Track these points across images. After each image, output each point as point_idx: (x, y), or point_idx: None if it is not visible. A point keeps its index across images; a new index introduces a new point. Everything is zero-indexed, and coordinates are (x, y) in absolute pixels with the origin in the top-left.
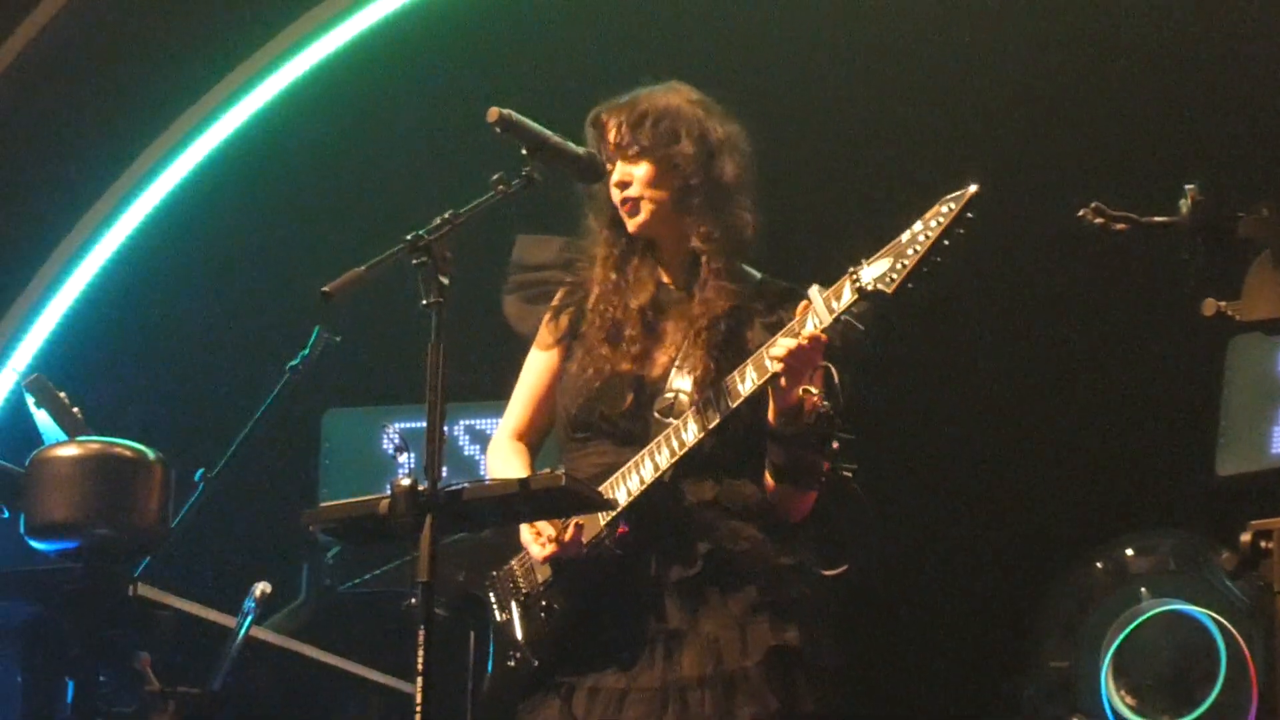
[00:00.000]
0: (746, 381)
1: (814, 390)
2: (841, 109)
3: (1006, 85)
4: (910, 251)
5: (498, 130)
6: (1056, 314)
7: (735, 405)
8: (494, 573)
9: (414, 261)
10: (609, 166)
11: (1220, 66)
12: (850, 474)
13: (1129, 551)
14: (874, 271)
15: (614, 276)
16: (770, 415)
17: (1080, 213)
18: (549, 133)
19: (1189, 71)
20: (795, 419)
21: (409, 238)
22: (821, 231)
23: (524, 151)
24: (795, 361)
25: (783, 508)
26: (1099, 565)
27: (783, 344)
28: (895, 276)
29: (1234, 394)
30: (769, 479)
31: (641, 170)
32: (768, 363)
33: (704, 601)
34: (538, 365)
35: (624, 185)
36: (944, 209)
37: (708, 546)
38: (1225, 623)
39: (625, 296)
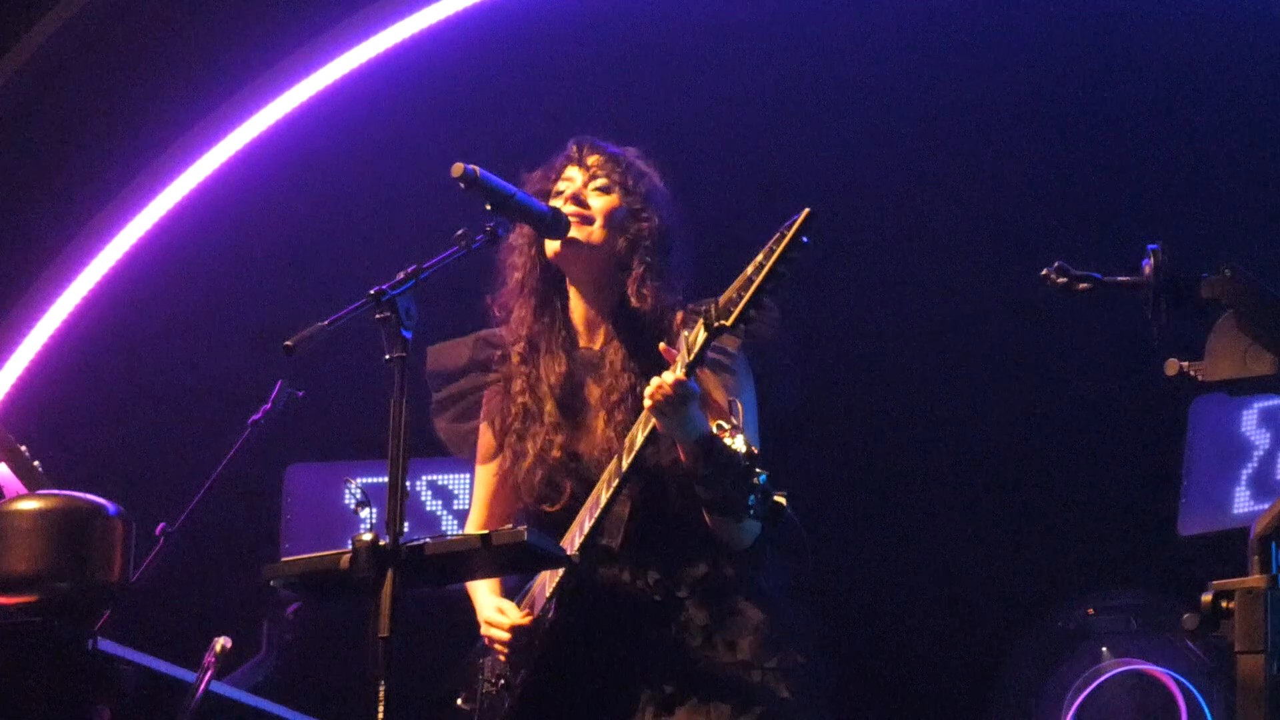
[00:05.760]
0: (640, 434)
1: (726, 426)
2: (804, 168)
3: (968, 146)
4: (750, 281)
5: (462, 186)
6: (1020, 373)
7: (633, 457)
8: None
9: (377, 316)
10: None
11: (1184, 127)
12: (784, 501)
13: (1090, 610)
14: (721, 307)
15: (524, 368)
16: (682, 458)
17: (1043, 272)
18: (513, 189)
19: (1153, 132)
20: (706, 458)
21: (372, 292)
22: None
23: (488, 207)
24: (663, 406)
25: (723, 537)
26: (1060, 624)
27: (653, 383)
28: (732, 309)
29: (1196, 454)
30: (705, 513)
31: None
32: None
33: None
34: (484, 478)
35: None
36: (777, 236)
37: (700, 642)
38: (1186, 683)
39: (544, 379)
